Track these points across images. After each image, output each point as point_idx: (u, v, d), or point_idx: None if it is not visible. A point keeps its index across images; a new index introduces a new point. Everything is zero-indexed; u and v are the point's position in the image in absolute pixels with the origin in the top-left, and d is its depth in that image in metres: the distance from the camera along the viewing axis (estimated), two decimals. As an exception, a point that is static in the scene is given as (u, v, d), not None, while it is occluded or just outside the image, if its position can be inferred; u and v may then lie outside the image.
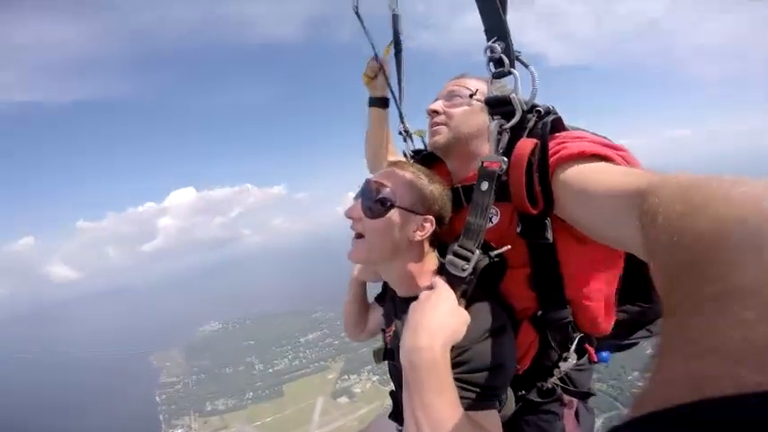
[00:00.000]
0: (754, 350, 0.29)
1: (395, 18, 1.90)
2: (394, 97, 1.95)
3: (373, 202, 1.27)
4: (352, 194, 1.67)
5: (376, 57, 1.92)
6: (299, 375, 75.94)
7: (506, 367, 1.19)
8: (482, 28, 1.15)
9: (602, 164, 1.02)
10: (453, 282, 1.12)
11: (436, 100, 1.50)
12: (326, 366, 76.61)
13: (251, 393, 72.14)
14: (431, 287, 1.17)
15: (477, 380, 1.12)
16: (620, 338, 1.52)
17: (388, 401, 1.71)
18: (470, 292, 1.16)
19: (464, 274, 1.10)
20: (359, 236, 1.31)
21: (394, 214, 1.25)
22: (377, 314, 1.84)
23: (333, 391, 67.52)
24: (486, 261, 1.15)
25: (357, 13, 1.87)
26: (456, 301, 1.10)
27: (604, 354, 1.48)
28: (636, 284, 1.39)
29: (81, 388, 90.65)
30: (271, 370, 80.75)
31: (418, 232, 1.27)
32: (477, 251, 1.11)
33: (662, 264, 0.51)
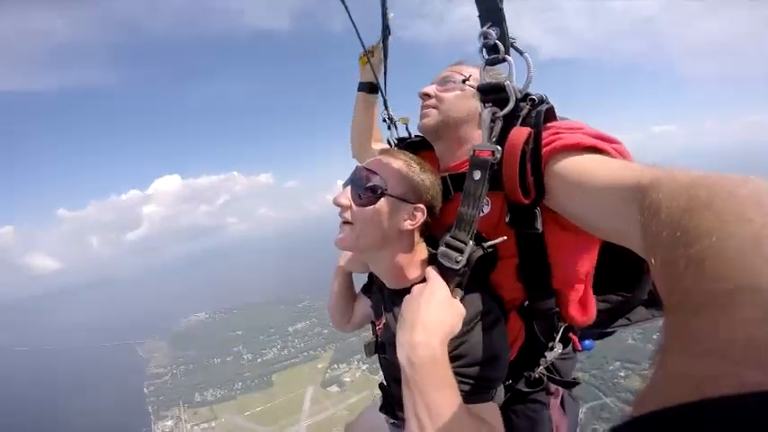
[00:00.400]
0: (757, 350, 0.29)
1: (383, 2, 1.85)
2: (378, 84, 1.94)
3: (363, 190, 1.24)
4: (342, 182, 1.66)
5: (364, 49, 1.90)
6: (288, 365, 76.27)
7: (502, 358, 1.19)
8: (476, 15, 1.12)
9: (599, 156, 1.01)
10: (446, 274, 1.10)
11: (430, 85, 1.50)
12: (316, 356, 77.13)
13: (240, 383, 72.29)
14: (423, 279, 1.16)
15: (475, 373, 1.12)
16: (602, 327, 1.53)
17: (378, 391, 1.74)
18: (465, 284, 1.14)
19: (458, 266, 1.08)
20: (347, 223, 1.27)
21: (384, 202, 1.23)
22: (363, 305, 1.79)
23: (322, 380, 68.13)
24: (479, 252, 1.13)
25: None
26: (450, 294, 1.08)
27: (588, 342, 1.47)
28: (616, 274, 1.39)
29: (67, 380, 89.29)
30: (259, 360, 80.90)
31: (408, 221, 1.25)
32: (471, 242, 1.10)
33: (663, 260, 0.50)
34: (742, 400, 0.26)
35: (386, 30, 1.88)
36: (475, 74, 1.39)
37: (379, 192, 1.23)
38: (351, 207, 1.26)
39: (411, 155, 1.36)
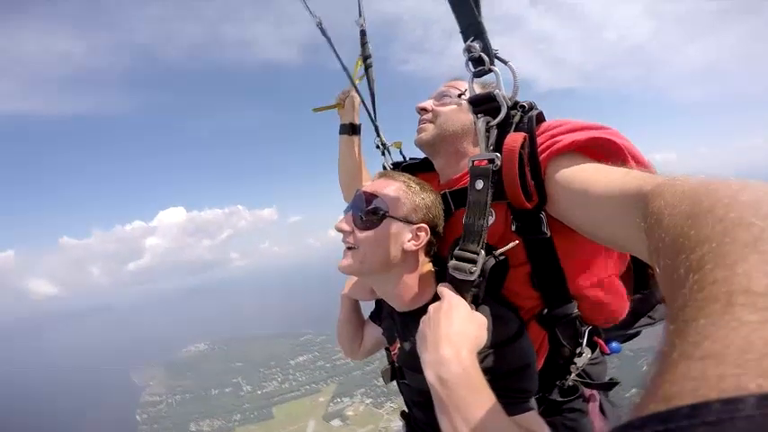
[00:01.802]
0: (756, 353, 0.30)
1: (362, 33, 1.89)
2: (368, 111, 1.89)
3: (365, 213, 1.23)
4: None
5: (350, 78, 1.87)
6: (289, 398, 73.46)
7: (531, 366, 1.16)
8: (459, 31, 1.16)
9: (598, 165, 1.01)
10: (461, 287, 1.08)
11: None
12: (318, 389, 74.25)
13: (238, 415, 69.31)
14: (434, 299, 1.15)
15: (508, 384, 1.08)
16: (626, 327, 1.52)
17: (383, 424, 1.87)
18: (481, 296, 1.12)
19: (472, 278, 1.06)
20: (350, 249, 1.26)
21: (387, 224, 1.22)
22: (373, 332, 1.75)
23: (325, 413, 65.18)
24: (492, 261, 1.11)
25: (321, 28, 1.82)
26: (469, 307, 1.06)
27: (614, 344, 1.44)
28: (634, 273, 1.40)
29: (58, 404, 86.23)
30: (259, 392, 77.96)
31: (413, 242, 1.23)
32: (483, 252, 1.08)
33: (665, 266, 0.50)
34: (738, 402, 0.26)
35: (366, 59, 1.91)
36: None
37: (380, 214, 1.22)
38: (353, 232, 1.25)
39: (410, 175, 1.36)
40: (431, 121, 1.44)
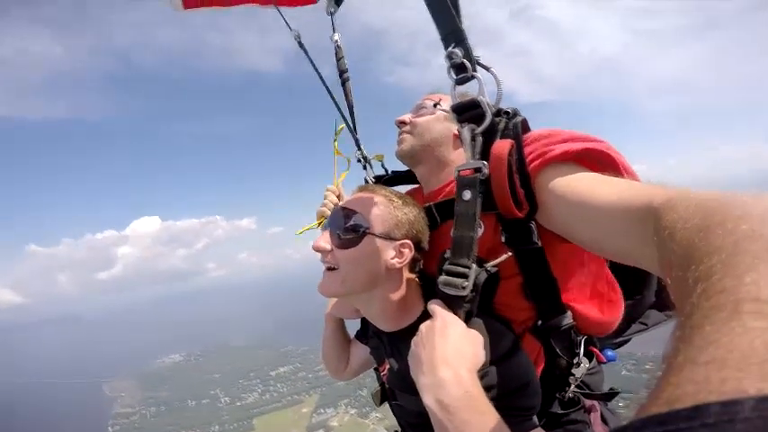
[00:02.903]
0: (759, 357, 0.30)
1: (337, 49, 1.89)
2: (348, 126, 1.86)
3: (344, 231, 1.17)
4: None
5: (329, 91, 1.86)
6: (271, 409, 71.68)
7: (532, 382, 1.12)
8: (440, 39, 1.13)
9: (597, 175, 0.99)
10: (453, 304, 1.03)
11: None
12: (300, 400, 72.75)
13: (217, 427, 66.98)
14: (422, 317, 1.11)
15: (512, 401, 1.05)
16: (618, 334, 1.51)
17: None
18: (475, 310, 1.07)
19: (464, 293, 1.00)
20: (330, 269, 1.19)
21: (368, 242, 1.15)
22: (360, 351, 1.69)
23: (308, 425, 63.78)
24: (484, 275, 1.05)
25: (300, 42, 1.84)
26: (463, 324, 1.00)
27: (610, 353, 1.44)
28: (623, 279, 1.38)
29: (26, 417, 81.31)
30: (239, 403, 75.76)
31: (396, 259, 1.17)
32: (474, 265, 1.02)
33: (676, 277, 0.51)
34: (738, 404, 0.27)
35: (343, 72, 1.88)
36: (446, 99, 1.43)
37: (361, 231, 1.15)
38: (332, 251, 1.18)
39: (391, 189, 1.32)
40: (409, 133, 1.45)
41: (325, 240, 1.19)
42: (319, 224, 1.65)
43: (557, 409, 1.30)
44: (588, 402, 1.34)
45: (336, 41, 1.89)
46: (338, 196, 1.70)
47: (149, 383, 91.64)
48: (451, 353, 0.90)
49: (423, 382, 0.89)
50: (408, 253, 1.18)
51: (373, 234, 1.15)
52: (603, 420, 1.36)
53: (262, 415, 69.85)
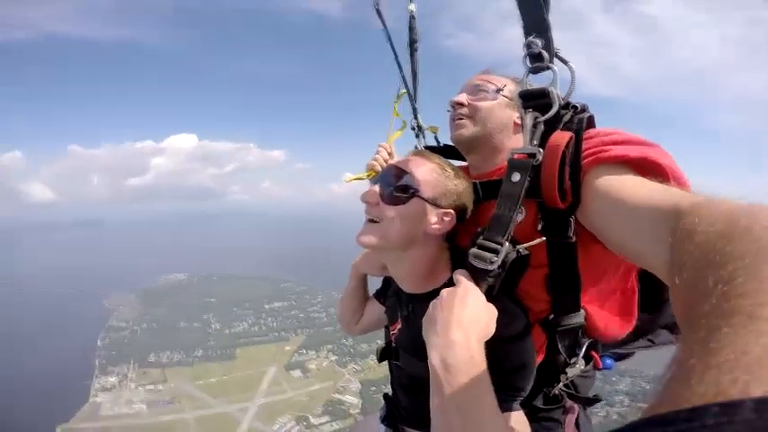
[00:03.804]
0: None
1: (411, 20, 1.90)
2: (409, 93, 1.94)
3: (394, 189, 1.20)
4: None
5: (395, 54, 1.92)
6: (256, 341, 72.42)
7: (529, 367, 1.16)
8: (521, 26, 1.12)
9: (639, 178, 1.01)
10: (478, 276, 1.06)
11: (460, 93, 1.43)
12: (286, 337, 73.19)
13: (200, 351, 68.28)
14: (446, 284, 1.13)
15: (507, 380, 1.08)
16: (624, 344, 1.48)
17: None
18: (497, 288, 1.09)
19: (492, 267, 1.03)
20: (372, 221, 1.22)
21: (414, 203, 1.19)
22: (375, 309, 1.73)
23: (287, 363, 64.22)
24: (514, 255, 1.07)
25: (378, 11, 1.85)
26: (483, 296, 1.04)
27: (608, 361, 1.41)
28: (645, 292, 1.35)
29: (21, 321, 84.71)
30: (227, 331, 76.90)
31: (437, 225, 1.20)
32: (507, 243, 1.05)
33: (689, 277, 0.52)
34: (738, 406, 0.27)
35: (413, 42, 1.91)
36: (508, 83, 1.38)
37: (410, 192, 1.19)
38: (378, 205, 1.22)
39: (445, 159, 1.31)
40: (469, 117, 1.39)
41: (373, 194, 1.24)
42: (368, 176, 1.79)
43: (539, 402, 1.34)
44: (569, 403, 1.37)
45: (412, 12, 1.91)
46: (389, 153, 1.82)
47: (149, 300, 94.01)
48: (467, 319, 0.94)
49: (433, 341, 0.93)
50: (450, 222, 1.22)
51: (421, 197, 1.19)
52: (578, 425, 1.39)
53: (246, 346, 70.64)
